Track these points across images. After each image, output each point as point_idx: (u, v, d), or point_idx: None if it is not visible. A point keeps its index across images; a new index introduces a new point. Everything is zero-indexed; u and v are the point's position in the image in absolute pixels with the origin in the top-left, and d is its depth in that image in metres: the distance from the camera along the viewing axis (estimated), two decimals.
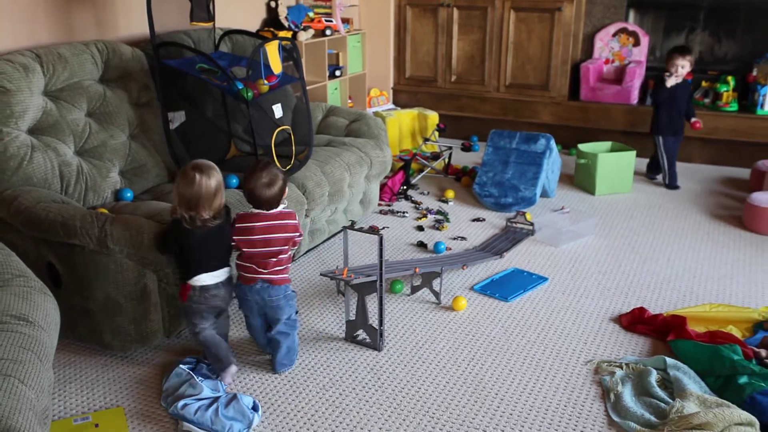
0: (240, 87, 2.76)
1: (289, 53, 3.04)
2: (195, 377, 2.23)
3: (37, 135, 2.59)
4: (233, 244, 2.33)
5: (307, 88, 4.49)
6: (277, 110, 2.94)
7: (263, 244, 2.30)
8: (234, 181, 2.85)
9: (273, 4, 4.34)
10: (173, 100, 3.00)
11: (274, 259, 2.32)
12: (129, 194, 2.80)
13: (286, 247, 2.34)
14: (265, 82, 2.85)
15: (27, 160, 2.50)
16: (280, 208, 2.35)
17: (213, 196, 2.20)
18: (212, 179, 2.21)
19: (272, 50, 2.84)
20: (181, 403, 2.11)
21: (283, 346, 2.37)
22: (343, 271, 2.50)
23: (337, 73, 4.71)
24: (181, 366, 2.31)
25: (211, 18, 3.17)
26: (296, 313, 2.43)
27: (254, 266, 2.32)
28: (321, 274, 2.61)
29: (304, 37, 4.33)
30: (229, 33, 3.40)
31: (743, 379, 2.18)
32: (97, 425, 2.09)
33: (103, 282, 2.27)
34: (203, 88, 3.17)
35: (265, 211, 2.32)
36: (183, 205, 2.19)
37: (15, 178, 2.46)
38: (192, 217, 2.18)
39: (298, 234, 2.36)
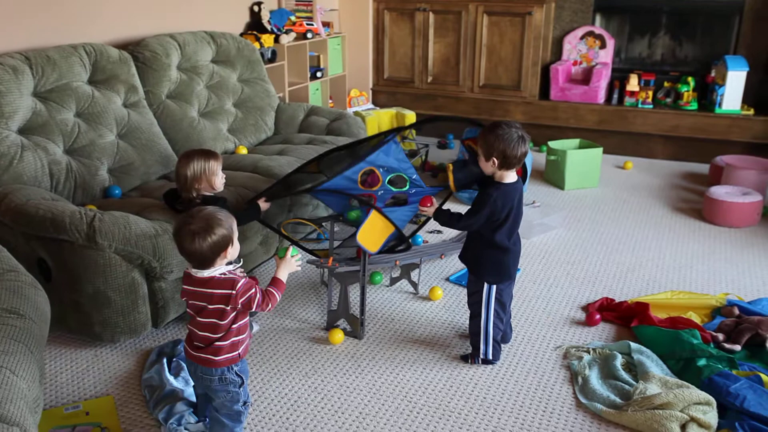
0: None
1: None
2: (177, 389, 2.11)
3: (27, 135, 2.61)
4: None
5: (289, 89, 4.52)
6: None
7: (191, 310, 1.82)
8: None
9: (256, 8, 4.36)
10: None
11: (203, 334, 1.80)
12: (117, 191, 2.82)
13: (216, 321, 1.77)
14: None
15: (17, 159, 2.51)
16: (222, 269, 1.77)
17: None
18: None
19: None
20: (173, 421, 2.01)
21: None
22: (329, 260, 2.54)
23: (318, 74, 4.76)
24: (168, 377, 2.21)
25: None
26: (244, 404, 1.88)
27: (189, 336, 1.86)
28: (308, 262, 2.66)
29: (286, 40, 4.36)
30: (428, 121, 3.09)
31: (702, 362, 2.25)
32: (87, 413, 2.10)
33: (92, 276, 2.28)
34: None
35: (195, 272, 1.78)
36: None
37: (6, 177, 2.48)
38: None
39: (231, 306, 1.76)
